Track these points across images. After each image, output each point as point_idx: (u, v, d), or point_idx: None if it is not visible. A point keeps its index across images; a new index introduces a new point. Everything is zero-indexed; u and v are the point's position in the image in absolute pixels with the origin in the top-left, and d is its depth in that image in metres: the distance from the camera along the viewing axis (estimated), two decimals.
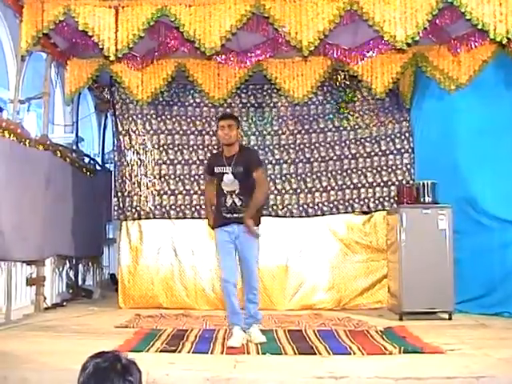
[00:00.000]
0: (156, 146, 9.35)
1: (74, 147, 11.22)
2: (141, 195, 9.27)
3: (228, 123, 6.13)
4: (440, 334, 6.43)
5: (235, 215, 6.09)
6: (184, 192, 9.26)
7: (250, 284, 6.20)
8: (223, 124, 6.14)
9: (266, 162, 9.31)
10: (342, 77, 9.33)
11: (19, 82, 8.31)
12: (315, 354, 5.50)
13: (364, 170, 9.24)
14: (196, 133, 9.39)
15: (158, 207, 9.27)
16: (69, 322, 7.41)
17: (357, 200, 9.23)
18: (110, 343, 5.65)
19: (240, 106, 9.48)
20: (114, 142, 9.61)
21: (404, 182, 9.03)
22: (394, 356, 5.39)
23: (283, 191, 9.31)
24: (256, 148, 9.28)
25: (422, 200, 8.00)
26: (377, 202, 9.19)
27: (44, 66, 8.98)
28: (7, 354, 5.38)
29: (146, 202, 9.27)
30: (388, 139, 9.23)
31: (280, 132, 9.42)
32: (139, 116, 9.37)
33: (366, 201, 9.21)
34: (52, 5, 7.26)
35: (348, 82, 9.33)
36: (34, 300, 8.24)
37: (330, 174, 9.28)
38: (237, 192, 6.08)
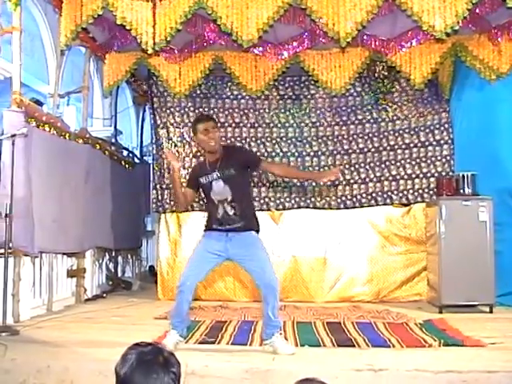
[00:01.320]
0: (194, 139, 9.37)
1: (113, 140, 11.32)
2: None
3: (211, 125, 5.41)
4: (481, 328, 6.36)
5: (227, 226, 5.33)
6: None
7: (263, 281, 5.27)
8: (206, 127, 5.37)
9: (304, 153, 9.31)
10: (380, 68, 9.25)
11: (59, 76, 8.42)
12: (354, 346, 5.48)
13: (403, 162, 9.16)
14: (233, 125, 9.40)
15: (196, 199, 9.29)
16: (109, 314, 7.49)
17: (395, 192, 9.16)
18: (150, 334, 5.70)
19: (277, 97, 9.46)
20: (152, 135, 9.68)
21: (443, 173, 8.94)
22: (434, 349, 5.35)
23: (321, 183, 9.26)
24: (294, 140, 9.28)
25: (461, 192, 7.90)
26: (416, 193, 9.11)
27: (83, 61, 9.09)
28: (50, 344, 5.47)
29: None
30: (427, 130, 9.14)
31: (318, 124, 9.39)
32: (177, 109, 9.41)
33: (405, 193, 9.13)
34: None
35: (386, 73, 9.25)
36: (74, 292, 8.36)
37: (368, 166, 9.22)
38: (229, 199, 5.32)
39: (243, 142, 9.33)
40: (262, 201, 9.27)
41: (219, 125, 9.28)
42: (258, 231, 5.49)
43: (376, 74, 9.31)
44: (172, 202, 9.29)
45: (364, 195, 9.23)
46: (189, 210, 9.25)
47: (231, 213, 5.34)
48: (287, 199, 9.29)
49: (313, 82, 9.26)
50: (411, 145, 9.16)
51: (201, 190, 5.58)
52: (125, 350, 2.28)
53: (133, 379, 2.16)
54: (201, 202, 9.22)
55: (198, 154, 9.33)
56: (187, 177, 6.00)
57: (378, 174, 9.20)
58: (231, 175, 5.34)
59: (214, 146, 5.38)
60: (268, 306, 5.27)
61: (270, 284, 5.26)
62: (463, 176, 7.94)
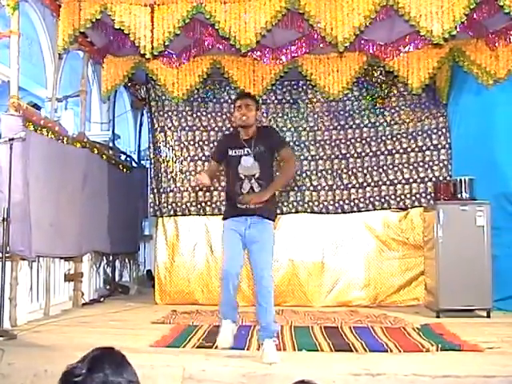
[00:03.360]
0: (191, 143, 9.39)
1: (111, 144, 11.34)
2: (176, 192, 9.33)
3: (246, 102, 5.50)
4: (478, 332, 6.36)
5: (251, 206, 5.33)
6: (219, 188, 9.26)
7: (261, 285, 5.30)
8: (240, 103, 5.51)
9: (302, 158, 9.31)
10: (378, 72, 9.27)
11: (57, 80, 8.43)
12: (351, 350, 5.48)
13: (400, 166, 9.17)
14: (231, 129, 9.41)
15: (194, 203, 9.31)
16: (106, 318, 7.48)
17: (393, 196, 9.16)
18: (147, 339, 5.70)
19: (275, 102, 9.47)
20: (149, 139, 9.67)
21: (441, 178, 8.94)
22: (431, 353, 5.35)
23: (319, 187, 9.28)
24: (292, 144, 9.29)
25: (459, 196, 7.90)
26: (413, 198, 9.11)
27: (81, 65, 9.09)
28: (47, 348, 5.46)
29: (182, 198, 9.33)
30: (425, 135, 9.15)
31: (316, 128, 9.40)
32: (175, 113, 9.42)
33: (403, 197, 9.14)
34: (89, 3, 7.33)
35: (384, 78, 9.27)
36: (72, 296, 8.34)
37: (366, 170, 9.23)
38: (257, 176, 5.39)
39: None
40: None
41: (216, 129, 9.33)
42: (275, 218, 5.63)
43: (374, 79, 9.33)
44: (169, 206, 9.29)
45: (361, 200, 9.23)
46: (186, 215, 9.26)
47: (257, 190, 5.38)
48: (285, 203, 9.29)
49: (310, 87, 9.28)
50: (409, 149, 9.17)
51: (226, 162, 5.63)
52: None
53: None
54: (198, 206, 9.25)
55: (196, 157, 9.34)
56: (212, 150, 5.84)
57: (375, 179, 9.20)
58: (261, 152, 5.44)
59: (244, 120, 5.46)
60: (261, 309, 5.32)
61: (264, 286, 5.28)
62: (461, 180, 7.94)
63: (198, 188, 9.24)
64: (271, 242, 5.47)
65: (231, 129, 9.33)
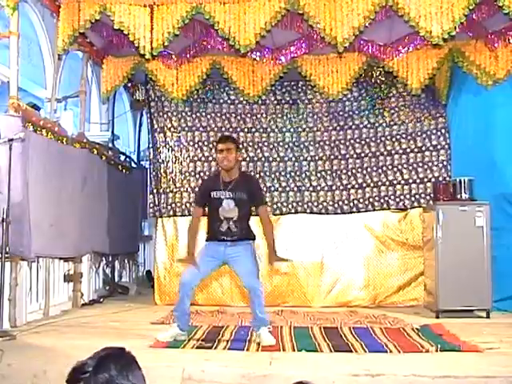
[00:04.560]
0: (191, 143, 9.39)
1: (110, 145, 11.33)
2: (176, 192, 9.32)
3: (227, 146, 5.83)
4: (477, 333, 6.36)
5: (229, 238, 5.85)
6: None
7: (250, 284, 5.81)
8: (222, 147, 5.84)
9: (301, 158, 9.33)
10: (378, 73, 9.28)
11: (56, 80, 8.42)
12: (351, 351, 5.48)
13: (400, 167, 9.17)
14: (231, 130, 9.40)
15: (194, 204, 9.28)
16: (106, 319, 7.47)
17: (392, 197, 9.16)
18: (147, 339, 5.70)
19: (275, 102, 9.47)
20: (149, 140, 9.67)
21: (440, 178, 8.94)
22: (431, 354, 5.35)
23: (318, 188, 9.28)
24: (291, 145, 9.30)
25: (458, 197, 7.90)
26: (413, 198, 9.11)
27: (80, 65, 9.09)
28: (46, 349, 5.46)
29: (182, 198, 9.32)
30: (424, 135, 9.15)
31: (315, 129, 9.40)
32: (174, 113, 9.42)
33: (402, 198, 9.14)
34: (88, 4, 7.34)
35: (383, 78, 9.27)
36: (71, 296, 8.34)
37: (365, 171, 9.23)
38: (234, 219, 5.83)
39: (240, 146, 9.31)
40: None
41: (216, 129, 9.33)
42: (253, 239, 6.03)
43: (373, 80, 9.33)
44: (169, 207, 9.30)
45: (361, 200, 9.23)
46: (185, 215, 9.25)
47: (234, 230, 5.85)
48: (284, 204, 9.30)
49: (310, 87, 9.28)
50: (408, 150, 9.17)
51: (208, 202, 6.01)
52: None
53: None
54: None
55: (195, 158, 9.34)
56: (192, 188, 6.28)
57: (374, 179, 9.20)
58: (243, 199, 5.86)
59: (226, 165, 5.83)
60: (254, 305, 5.83)
61: (254, 287, 5.80)
62: (460, 181, 7.94)
63: (197, 189, 9.25)
64: (252, 256, 5.89)
65: (230, 129, 9.37)
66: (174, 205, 9.31)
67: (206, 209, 6.10)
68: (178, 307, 5.94)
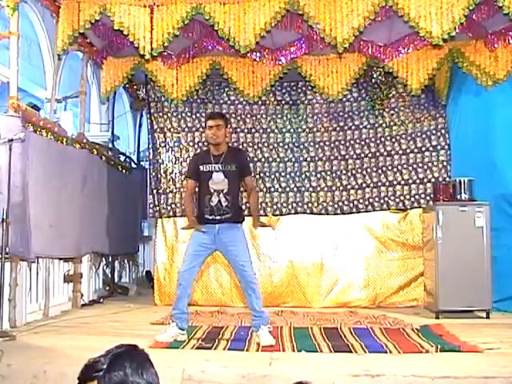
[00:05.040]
0: (191, 144, 9.40)
1: (110, 145, 11.32)
2: (176, 192, 9.33)
3: (216, 123, 6.00)
4: (477, 333, 6.36)
5: (218, 217, 5.92)
6: None
7: (245, 279, 5.90)
8: (211, 124, 6.01)
9: (301, 159, 9.34)
10: (377, 73, 9.28)
11: (56, 81, 8.41)
12: (351, 351, 5.47)
13: (400, 167, 9.17)
14: (231, 130, 9.36)
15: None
16: (105, 319, 7.48)
17: (392, 197, 9.16)
18: (146, 340, 5.69)
19: (275, 103, 9.47)
20: (149, 140, 9.67)
21: (440, 179, 8.94)
22: (431, 354, 5.34)
23: (318, 188, 9.28)
24: (291, 145, 9.30)
25: (458, 197, 7.91)
26: (412, 199, 9.11)
27: (80, 65, 9.09)
28: (46, 349, 5.46)
29: (181, 199, 9.31)
30: (424, 136, 9.15)
31: (315, 129, 9.40)
32: (174, 114, 9.42)
33: (402, 198, 9.14)
34: (88, 4, 7.33)
35: (383, 79, 9.27)
36: (71, 297, 8.34)
37: (365, 172, 9.23)
38: (225, 191, 5.93)
39: (240, 147, 9.33)
40: (258, 206, 9.27)
41: None
42: (242, 221, 6.12)
43: (373, 80, 9.33)
44: (169, 207, 9.30)
45: (361, 201, 9.23)
46: (185, 216, 9.23)
47: (224, 204, 5.92)
48: (284, 204, 9.30)
49: (310, 88, 9.28)
50: (408, 150, 9.17)
51: (197, 177, 6.11)
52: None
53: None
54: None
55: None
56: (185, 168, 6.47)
57: (374, 180, 9.20)
58: (232, 171, 5.97)
59: (215, 140, 5.99)
60: (250, 298, 5.91)
61: (249, 281, 5.89)
62: (460, 181, 7.95)
63: None
64: (243, 240, 6.04)
65: (230, 130, 9.32)
66: (173, 205, 9.31)
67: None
68: (176, 305, 6.01)
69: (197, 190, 6.18)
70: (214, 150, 6.06)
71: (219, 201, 5.91)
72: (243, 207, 6.51)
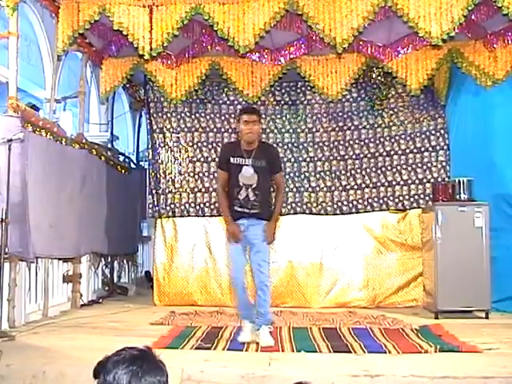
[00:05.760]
0: (190, 144, 9.39)
1: (109, 145, 11.32)
2: (175, 193, 9.33)
3: (253, 118, 5.87)
4: (477, 333, 6.36)
5: (246, 210, 5.87)
6: None
7: (259, 278, 5.86)
8: (247, 119, 5.87)
9: (300, 159, 9.34)
10: (377, 74, 9.29)
11: (55, 81, 8.41)
12: (350, 351, 5.47)
13: (399, 168, 9.17)
14: (230, 131, 9.40)
15: (193, 205, 9.31)
16: (105, 319, 7.47)
17: (391, 198, 9.16)
18: (145, 340, 5.68)
19: (274, 103, 9.47)
20: (148, 140, 9.67)
21: (439, 179, 8.95)
22: (430, 355, 5.34)
23: (317, 189, 9.28)
24: (290, 146, 9.30)
25: (457, 197, 7.91)
26: (412, 199, 9.11)
27: (79, 66, 9.09)
28: (45, 349, 5.45)
29: (181, 199, 9.32)
30: (423, 136, 9.15)
31: (314, 129, 9.40)
32: (173, 114, 9.42)
33: (401, 198, 9.14)
34: (87, 5, 7.34)
35: (382, 79, 9.28)
36: (70, 297, 8.33)
37: (364, 172, 9.23)
38: (253, 186, 5.85)
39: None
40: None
41: (215, 130, 9.33)
42: (270, 218, 5.99)
43: (372, 80, 9.34)
44: (168, 208, 9.29)
45: (360, 201, 9.23)
46: (184, 216, 9.26)
47: (252, 198, 5.87)
48: (284, 205, 9.27)
49: (309, 88, 9.29)
50: (407, 151, 9.17)
51: (227, 169, 6.02)
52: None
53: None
54: (197, 207, 9.23)
55: (194, 159, 9.34)
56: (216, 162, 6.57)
57: (374, 180, 9.20)
58: (262, 167, 5.88)
59: (250, 136, 5.87)
60: (259, 298, 5.87)
61: (262, 282, 5.85)
62: (459, 182, 7.95)
63: (196, 189, 9.26)
64: (266, 241, 5.94)
65: (229, 130, 9.36)
66: (173, 205, 9.31)
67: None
68: (240, 304, 6.07)
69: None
70: (245, 145, 5.95)
71: (247, 195, 5.85)
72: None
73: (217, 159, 8.92)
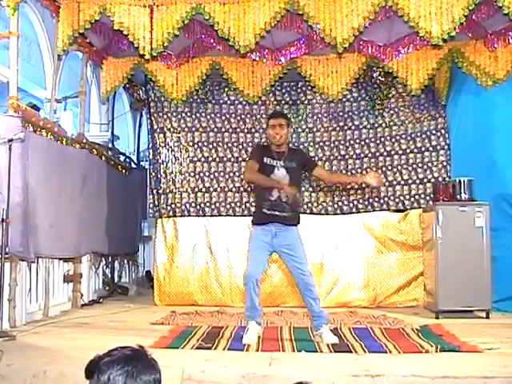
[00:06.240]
0: (191, 144, 9.39)
1: (110, 145, 11.32)
2: (176, 193, 9.33)
3: (279, 122, 5.98)
4: (477, 333, 6.36)
5: (276, 213, 5.85)
6: (219, 189, 9.29)
7: (303, 282, 5.89)
8: (274, 123, 5.99)
9: None
10: (377, 73, 9.29)
11: (56, 81, 8.40)
12: (351, 351, 5.46)
13: (399, 168, 9.17)
14: (230, 130, 9.40)
15: (193, 205, 9.31)
16: (105, 319, 7.47)
17: (392, 197, 9.16)
18: (146, 340, 5.69)
19: (274, 103, 9.47)
20: (148, 140, 9.67)
21: (440, 179, 8.94)
22: (431, 354, 5.33)
23: (318, 189, 9.28)
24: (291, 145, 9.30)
25: (458, 197, 7.91)
26: (412, 199, 9.11)
27: (80, 66, 9.09)
28: (46, 349, 5.45)
29: (181, 199, 9.32)
30: (424, 136, 9.15)
31: (315, 129, 9.40)
32: (174, 114, 9.42)
33: (402, 198, 9.14)
34: (88, 4, 7.34)
35: (383, 79, 9.28)
36: (71, 297, 8.33)
37: (365, 172, 9.19)
38: None
39: (240, 147, 9.35)
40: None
41: (215, 130, 9.33)
42: (298, 223, 6.06)
43: (373, 80, 9.34)
44: (168, 207, 9.30)
45: (361, 201, 9.23)
46: (185, 216, 9.26)
47: (284, 199, 5.86)
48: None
49: (310, 88, 9.29)
50: (408, 150, 9.17)
51: (259, 168, 5.99)
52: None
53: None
54: (197, 207, 9.23)
55: (195, 158, 9.34)
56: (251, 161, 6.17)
57: None
58: (293, 167, 5.96)
59: (277, 140, 5.97)
60: (308, 300, 5.92)
61: (307, 283, 5.89)
62: (460, 181, 7.95)
63: (197, 189, 9.27)
64: (299, 243, 5.97)
65: (230, 130, 9.37)
66: (173, 205, 9.31)
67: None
68: (249, 305, 6.00)
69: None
70: (275, 148, 6.03)
71: (279, 196, 5.84)
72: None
73: (217, 159, 9.00)
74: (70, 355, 5.22)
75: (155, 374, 2.17)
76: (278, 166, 5.93)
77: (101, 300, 9.17)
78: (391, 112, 9.28)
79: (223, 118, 9.44)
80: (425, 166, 9.11)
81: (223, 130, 9.41)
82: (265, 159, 5.96)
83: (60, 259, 7.95)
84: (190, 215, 9.28)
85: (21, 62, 7.04)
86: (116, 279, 10.45)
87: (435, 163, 9.08)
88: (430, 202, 8.68)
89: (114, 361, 2.15)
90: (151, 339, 5.78)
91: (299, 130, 9.40)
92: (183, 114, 9.42)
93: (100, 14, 7.35)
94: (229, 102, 9.47)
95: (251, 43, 7.20)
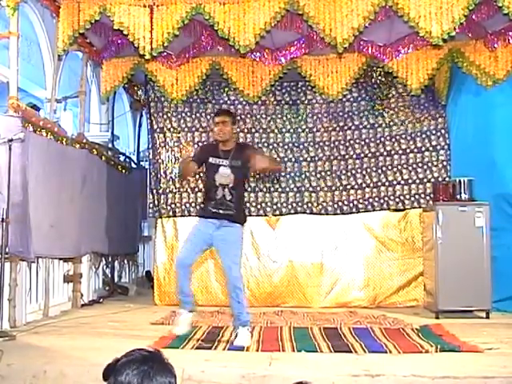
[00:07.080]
0: (191, 144, 9.39)
1: (110, 145, 11.32)
2: (175, 193, 9.33)
3: (223, 119, 6.08)
4: (477, 333, 6.36)
5: (221, 211, 5.92)
6: None
7: (231, 282, 5.88)
8: (218, 120, 6.11)
9: (301, 159, 9.34)
10: (377, 73, 9.28)
11: (56, 81, 8.40)
12: (351, 351, 5.47)
13: (399, 167, 9.17)
14: (238, 129, 9.37)
15: (193, 204, 9.30)
16: (105, 319, 7.47)
17: (392, 197, 9.16)
18: (146, 340, 5.69)
19: (274, 103, 9.47)
20: (148, 140, 9.67)
21: (440, 179, 8.94)
22: (431, 354, 5.34)
23: (318, 188, 9.28)
24: (290, 145, 9.30)
25: (458, 197, 7.90)
26: (412, 199, 9.11)
27: (80, 66, 9.09)
28: (46, 349, 5.45)
29: (181, 199, 9.33)
30: (424, 136, 9.15)
31: (315, 129, 9.39)
32: (174, 114, 9.42)
33: (402, 198, 9.14)
34: (88, 4, 7.33)
35: (383, 79, 9.27)
36: (71, 297, 8.33)
37: (365, 171, 9.22)
38: (230, 186, 5.95)
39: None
40: (258, 206, 9.29)
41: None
42: (243, 223, 6.14)
43: (373, 80, 9.33)
44: (168, 207, 9.30)
45: (360, 200, 9.23)
46: (185, 216, 9.26)
47: (228, 198, 5.95)
48: (284, 204, 9.30)
49: (310, 88, 9.28)
50: (408, 150, 9.17)
51: (205, 168, 6.19)
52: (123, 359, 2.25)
53: None
54: (197, 207, 9.23)
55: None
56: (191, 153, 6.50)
57: (374, 180, 9.20)
58: (237, 166, 5.97)
59: (220, 136, 6.06)
60: (232, 301, 5.91)
61: (235, 286, 5.86)
62: (460, 181, 7.94)
63: (196, 189, 9.26)
64: (238, 243, 6.04)
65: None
66: (173, 205, 9.32)
67: (204, 178, 6.31)
68: (180, 290, 6.09)
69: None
70: (222, 146, 6.10)
71: (223, 195, 5.93)
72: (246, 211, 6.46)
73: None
74: (69, 355, 5.22)
75: (171, 377, 2.18)
76: (222, 165, 5.97)
77: (101, 300, 9.17)
78: (391, 112, 9.27)
79: None
80: (425, 166, 9.10)
81: None
82: (210, 159, 6.04)
83: (60, 259, 7.96)
84: (190, 215, 9.26)
85: (21, 61, 7.04)
86: (116, 279, 10.45)
87: (435, 163, 9.08)
88: (430, 202, 8.69)
89: (131, 361, 2.17)
90: (151, 339, 5.79)
91: (299, 129, 9.40)
92: (183, 114, 9.42)
93: (100, 14, 7.34)
94: (229, 102, 9.47)
95: (251, 43, 7.20)
